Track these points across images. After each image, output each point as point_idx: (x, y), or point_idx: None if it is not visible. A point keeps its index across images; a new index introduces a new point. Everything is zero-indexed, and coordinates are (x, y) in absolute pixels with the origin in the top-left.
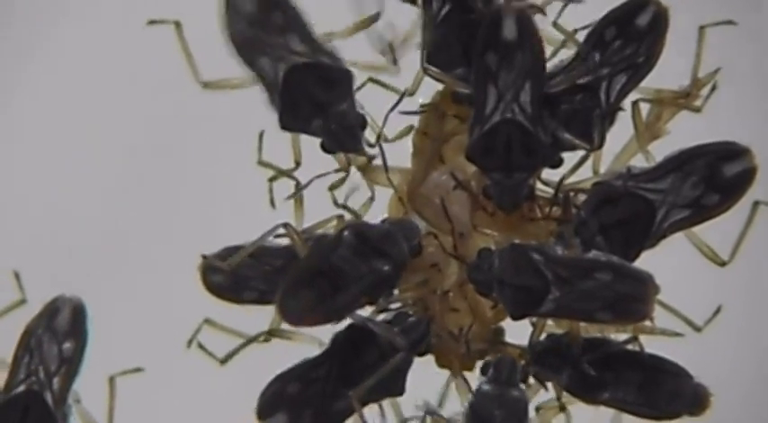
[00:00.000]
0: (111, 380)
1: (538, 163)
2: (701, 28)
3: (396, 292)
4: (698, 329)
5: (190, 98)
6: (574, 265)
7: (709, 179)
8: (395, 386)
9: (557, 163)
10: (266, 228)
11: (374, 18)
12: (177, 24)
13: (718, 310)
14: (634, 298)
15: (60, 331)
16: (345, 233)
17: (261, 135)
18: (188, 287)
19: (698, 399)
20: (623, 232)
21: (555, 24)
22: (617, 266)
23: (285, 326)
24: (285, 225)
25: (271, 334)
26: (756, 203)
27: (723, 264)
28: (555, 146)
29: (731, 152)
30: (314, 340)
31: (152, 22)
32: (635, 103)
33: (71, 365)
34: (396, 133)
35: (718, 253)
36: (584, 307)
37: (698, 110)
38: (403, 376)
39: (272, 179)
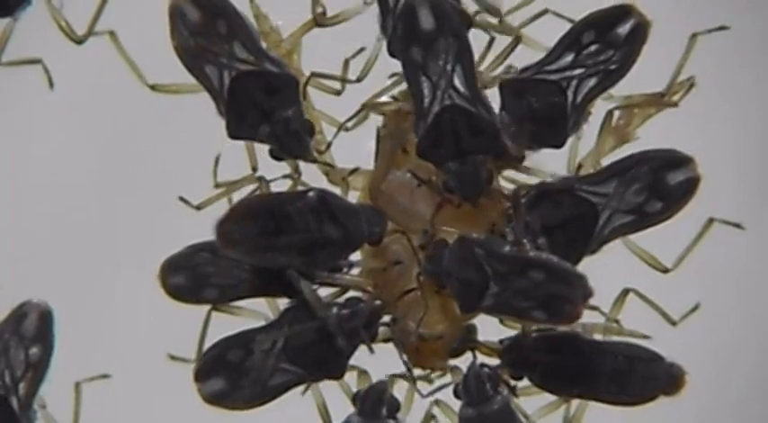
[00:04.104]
0: (77, 386)
1: (489, 141)
2: (693, 35)
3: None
4: (674, 323)
5: (162, 106)
6: (510, 260)
7: (652, 186)
8: (334, 367)
9: (518, 158)
10: None
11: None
12: (112, 34)
13: (695, 307)
14: (564, 299)
15: (27, 336)
16: (311, 193)
17: (217, 159)
18: (155, 294)
19: (672, 379)
20: (565, 234)
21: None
22: (551, 266)
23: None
24: (260, 178)
25: (216, 309)
26: (711, 220)
27: (666, 270)
28: (517, 138)
29: (675, 160)
30: (258, 315)
31: (94, 34)
32: (609, 113)
33: (37, 371)
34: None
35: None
36: (519, 305)
37: (675, 105)
38: (343, 359)
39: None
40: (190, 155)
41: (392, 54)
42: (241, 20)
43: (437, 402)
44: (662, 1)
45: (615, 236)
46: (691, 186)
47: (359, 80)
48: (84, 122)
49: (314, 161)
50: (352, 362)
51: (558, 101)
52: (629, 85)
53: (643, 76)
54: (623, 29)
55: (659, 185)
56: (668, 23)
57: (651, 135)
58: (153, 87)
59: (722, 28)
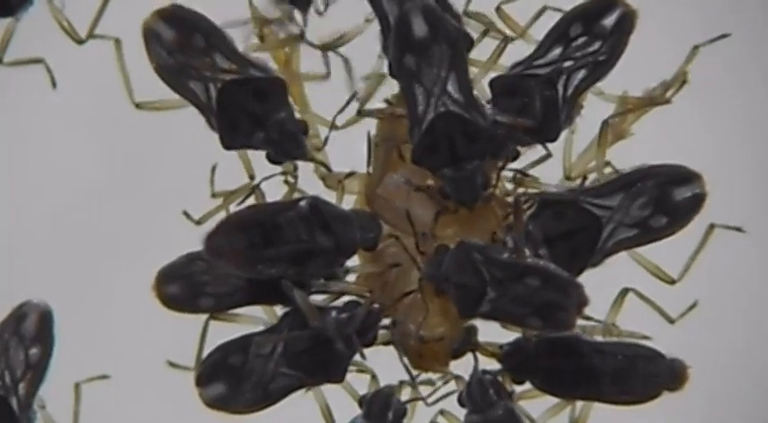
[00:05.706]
0: (77, 386)
1: (484, 147)
2: (695, 47)
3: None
4: (671, 321)
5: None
6: (508, 266)
7: (658, 201)
8: (334, 371)
9: (513, 155)
10: None
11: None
12: (117, 41)
13: (693, 305)
14: (558, 306)
15: (27, 337)
16: (302, 202)
17: (213, 168)
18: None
19: (674, 374)
20: (568, 246)
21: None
22: (547, 273)
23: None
24: (256, 186)
25: (214, 318)
26: (712, 226)
27: (672, 282)
28: (511, 138)
29: (682, 176)
30: (256, 321)
31: (94, 37)
32: (605, 123)
33: (37, 371)
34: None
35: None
36: (515, 311)
37: (668, 102)
38: (343, 363)
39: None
40: (191, 156)
41: (393, 75)
42: (217, 30)
43: (441, 412)
44: None
45: (618, 249)
46: (697, 203)
47: (362, 109)
48: (85, 122)
49: (312, 160)
50: (363, 363)
51: (549, 95)
52: (628, 76)
53: (640, 67)
54: (610, 19)
55: (665, 200)
56: (667, 13)
57: (654, 135)
58: (138, 105)
59: (723, 36)
